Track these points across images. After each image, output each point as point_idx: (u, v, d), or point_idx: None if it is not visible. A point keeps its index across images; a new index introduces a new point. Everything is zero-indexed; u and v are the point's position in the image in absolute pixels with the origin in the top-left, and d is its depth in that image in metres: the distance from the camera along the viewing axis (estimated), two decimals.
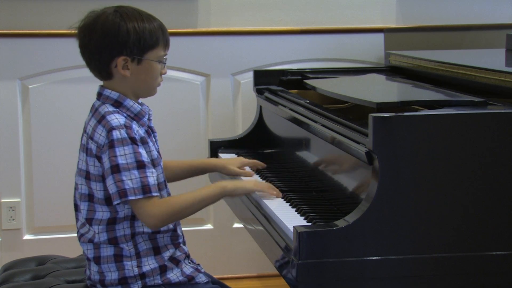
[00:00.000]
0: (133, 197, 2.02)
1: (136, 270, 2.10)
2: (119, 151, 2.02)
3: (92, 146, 2.07)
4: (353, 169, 2.13)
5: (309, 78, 3.03)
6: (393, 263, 1.92)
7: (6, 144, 3.49)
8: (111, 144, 2.03)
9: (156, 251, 2.13)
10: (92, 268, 2.14)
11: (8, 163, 3.50)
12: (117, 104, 2.11)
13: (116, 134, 2.03)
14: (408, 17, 3.74)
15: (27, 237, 3.56)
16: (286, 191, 2.37)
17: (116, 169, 2.02)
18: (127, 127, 2.05)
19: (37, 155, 3.51)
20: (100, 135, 2.05)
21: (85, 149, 2.10)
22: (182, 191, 2.13)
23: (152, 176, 2.05)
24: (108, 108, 2.09)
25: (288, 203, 2.27)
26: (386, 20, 3.72)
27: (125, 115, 2.10)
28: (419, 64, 2.91)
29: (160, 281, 2.12)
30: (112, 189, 2.03)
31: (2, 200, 3.52)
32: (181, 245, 2.19)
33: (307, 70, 3.18)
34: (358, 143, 2.03)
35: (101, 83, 2.16)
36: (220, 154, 2.97)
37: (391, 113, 1.93)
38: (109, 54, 2.08)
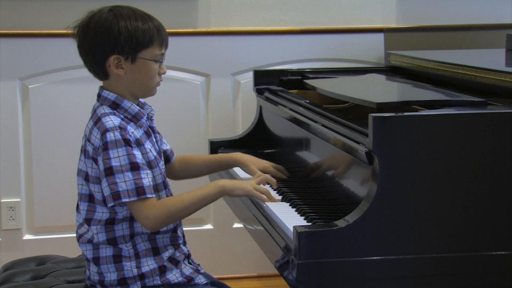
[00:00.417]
0: (127, 199, 2.02)
1: (135, 270, 2.10)
2: (112, 153, 2.02)
3: (89, 148, 2.07)
4: (353, 169, 2.13)
5: (309, 78, 3.03)
6: (393, 263, 1.92)
7: (6, 144, 3.49)
8: (105, 146, 2.03)
9: (155, 251, 2.13)
10: (91, 268, 2.14)
11: (8, 163, 3.50)
12: (115, 106, 2.11)
13: (110, 136, 2.03)
14: (408, 17, 3.74)
15: (27, 237, 3.56)
16: (286, 191, 2.37)
17: (109, 171, 2.01)
18: (122, 129, 2.04)
19: (37, 155, 3.51)
20: (96, 137, 2.05)
21: (84, 151, 2.10)
22: (182, 191, 2.13)
23: (147, 178, 2.04)
24: (105, 109, 2.09)
25: (288, 203, 2.27)
26: (386, 20, 3.72)
27: (122, 116, 2.09)
28: (419, 64, 2.90)
29: (159, 282, 2.12)
30: (106, 191, 2.03)
31: (2, 200, 3.52)
32: (181, 245, 2.19)
33: (307, 70, 3.18)
34: (358, 143, 2.03)
35: (101, 83, 2.16)
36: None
37: (391, 113, 1.93)
38: (102, 53, 2.08)
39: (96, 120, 2.08)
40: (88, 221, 2.11)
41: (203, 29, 3.60)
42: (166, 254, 2.14)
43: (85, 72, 2.16)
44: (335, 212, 2.18)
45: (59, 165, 3.51)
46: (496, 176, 1.97)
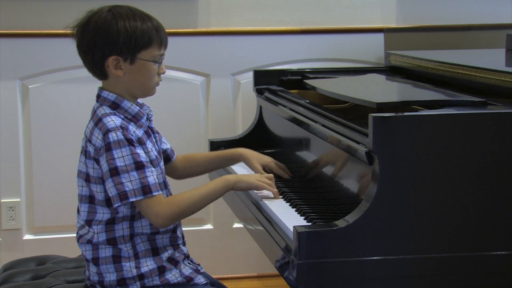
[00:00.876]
0: (133, 199, 2.02)
1: (134, 271, 2.10)
2: (116, 153, 2.02)
3: (90, 149, 2.07)
4: (353, 169, 2.13)
5: (309, 78, 3.03)
6: (393, 263, 1.92)
7: (6, 144, 3.49)
8: (108, 147, 2.02)
9: (155, 252, 2.13)
10: (91, 269, 2.14)
11: (8, 163, 3.50)
12: (115, 106, 2.11)
13: (112, 136, 2.03)
14: (408, 17, 3.74)
15: (27, 237, 3.56)
16: (286, 191, 2.37)
17: (115, 171, 2.01)
18: (124, 129, 2.04)
19: (37, 155, 3.51)
20: (97, 137, 2.05)
21: (84, 152, 2.10)
22: (182, 191, 2.13)
23: (152, 176, 2.05)
24: (105, 110, 2.09)
25: (288, 203, 2.27)
26: (386, 20, 3.72)
27: (122, 116, 2.09)
28: (419, 64, 2.90)
29: (158, 282, 2.12)
30: (112, 192, 2.03)
31: (2, 200, 3.52)
32: (180, 246, 2.19)
33: (307, 70, 3.18)
34: (358, 143, 2.03)
35: (101, 83, 2.16)
36: None
37: (391, 113, 1.93)
38: (100, 53, 2.07)
39: (97, 120, 2.08)
40: (89, 222, 2.11)
41: (203, 29, 3.60)
42: (165, 255, 2.14)
43: (85, 72, 2.16)
44: (335, 212, 2.18)
45: (59, 165, 3.51)
46: (496, 176, 1.97)
